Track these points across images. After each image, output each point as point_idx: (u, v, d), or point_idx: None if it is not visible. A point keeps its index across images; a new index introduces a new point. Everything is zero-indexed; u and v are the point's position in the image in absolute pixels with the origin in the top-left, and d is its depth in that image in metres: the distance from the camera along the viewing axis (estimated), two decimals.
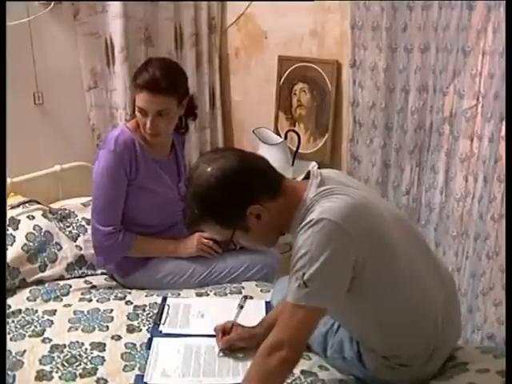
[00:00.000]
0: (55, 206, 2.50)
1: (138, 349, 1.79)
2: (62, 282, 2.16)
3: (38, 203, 2.38)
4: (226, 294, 2.09)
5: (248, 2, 2.95)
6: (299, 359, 1.45)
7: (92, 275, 2.26)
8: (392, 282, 1.47)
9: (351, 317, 1.58)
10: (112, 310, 1.98)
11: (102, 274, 2.28)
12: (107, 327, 1.89)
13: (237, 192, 1.46)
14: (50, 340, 1.82)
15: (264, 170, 1.53)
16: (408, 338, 1.53)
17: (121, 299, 2.06)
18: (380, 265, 1.44)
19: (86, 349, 1.78)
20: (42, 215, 2.31)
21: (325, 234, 1.37)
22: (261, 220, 1.49)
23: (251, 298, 2.06)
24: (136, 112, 2.07)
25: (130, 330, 1.88)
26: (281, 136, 2.89)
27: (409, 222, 1.72)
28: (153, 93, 2.00)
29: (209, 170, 1.46)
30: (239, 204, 1.46)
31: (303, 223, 1.41)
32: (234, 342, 1.75)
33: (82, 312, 1.97)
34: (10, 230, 2.18)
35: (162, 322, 1.90)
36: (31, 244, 2.19)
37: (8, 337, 1.81)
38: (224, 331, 1.78)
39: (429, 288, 1.55)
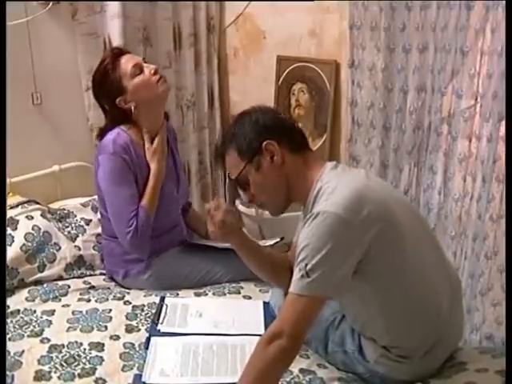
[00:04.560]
0: (54, 206, 2.49)
1: (137, 348, 1.79)
2: (60, 283, 2.16)
3: (37, 203, 2.38)
4: (224, 294, 2.10)
5: (247, 2, 2.95)
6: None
7: (91, 275, 2.25)
8: (397, 268, 1.49)
9: (354, 302, 1.59)
10: (111, 310, 1.98)
11: (101, 274, 2.28)
12: (106, 327, 1.89)
13: (260, 126, 1.59)
14: (49, 340, 1.82)
15: (293, 126, 1.66)
16: (409, 328, 1.55)
17: (119, 299, 2.06)
18: (386, 250, 1.46)
19: (85, 349, 1.78)
20: (41, 215, 2.30)
21: (326, 226, 1.40)
22: (273, 163, 1.55)
23: (249, 298, 2.07)
24: (135, 82, 2.10)
25: (129, 329, 1.88)
26: None
27: (423, 218, 1.74)
28: (128, 52, 2.20)
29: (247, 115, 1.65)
30: (258, 135, 1.57)
31: (307, 216, 1.46)
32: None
33: (81, 312, 1.97)
34: (8, 230, 2.18)
35: (160, 321, 1.90)
36: (30, 244, 2.18)
37: (6, 337, 1.81)
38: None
39: (434, 282, 1.56)
